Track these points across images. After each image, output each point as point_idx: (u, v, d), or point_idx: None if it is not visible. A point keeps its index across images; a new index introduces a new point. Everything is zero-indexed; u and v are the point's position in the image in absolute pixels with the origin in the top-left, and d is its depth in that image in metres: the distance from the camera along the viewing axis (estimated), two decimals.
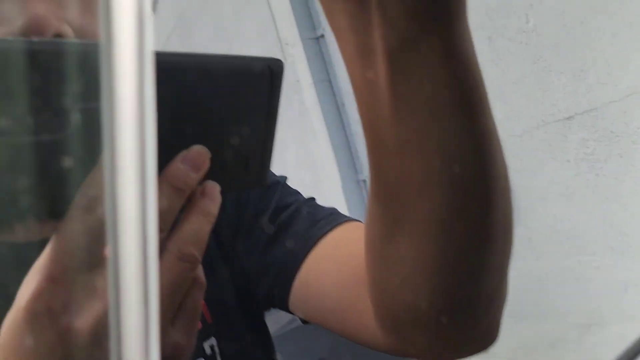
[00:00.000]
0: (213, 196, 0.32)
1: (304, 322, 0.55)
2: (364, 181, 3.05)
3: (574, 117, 1.98)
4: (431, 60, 0.31)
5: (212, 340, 0.52)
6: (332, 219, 0.53)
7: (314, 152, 3.21)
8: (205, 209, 0.31)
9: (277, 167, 0.52)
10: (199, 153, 0.32)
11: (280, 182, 0.58)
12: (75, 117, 0.27)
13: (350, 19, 0.30)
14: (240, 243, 0.56)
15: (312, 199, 0.57)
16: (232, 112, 0.33)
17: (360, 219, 0.50)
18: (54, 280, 0.28)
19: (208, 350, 0.52)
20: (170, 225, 0.30)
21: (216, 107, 0.33)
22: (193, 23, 3.99)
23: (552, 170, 2.15)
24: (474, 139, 0.33)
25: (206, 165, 0.32)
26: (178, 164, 0.30)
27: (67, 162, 0.27)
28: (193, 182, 0.31)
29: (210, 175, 0.31)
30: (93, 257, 0.28)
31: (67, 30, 0.39)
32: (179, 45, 4.13)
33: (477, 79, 0.32)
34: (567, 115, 2.01)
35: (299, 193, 0.58)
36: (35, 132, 0.27)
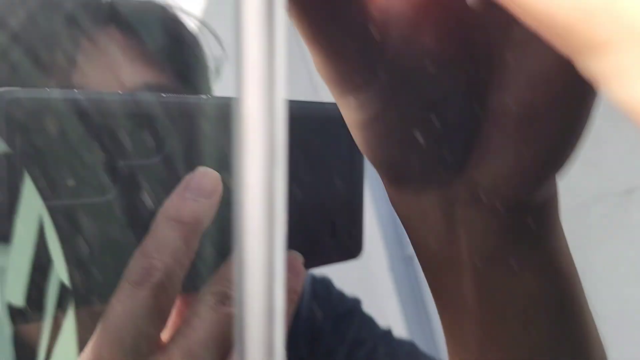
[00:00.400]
0: (296, 270, 0.28)
1: None
2: (411, 258, 2.98)
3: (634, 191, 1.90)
4: (523, 274, 0.28)
5: None
6: None
7: None
8: (287, 285, 0.27)
9: None
10: (205, 174, 0.28)
11: (356, 311, 0.55)
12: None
13: (435, 235, 0.27)
14: None
15: (389, 332, 0.54)
16: (313, 165, 0.30)
17: (421, 325, 0.46)
18: None
19: None
20: (185, 269, 0.27)
21: (294, 159, 0.29)
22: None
23: (615, 247, 2.04)
24: (570, 345, 0.30)
25: (218, 189, 0.28)
26: (181, 192, 0.27)
27: None
28: (206, 210, 0.27)
29: (290, 244, 0.27)
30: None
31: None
32: None
33: (574, 284, 0.30)
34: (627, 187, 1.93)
35: (374, 322, 0.55)
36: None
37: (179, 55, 0.47)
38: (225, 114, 0.27)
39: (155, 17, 0.47)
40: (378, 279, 2.71)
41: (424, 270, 0.30)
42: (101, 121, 0.25)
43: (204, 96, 0.29)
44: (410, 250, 0.29)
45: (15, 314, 0.23)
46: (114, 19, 0.45)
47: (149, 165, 0.27)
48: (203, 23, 0.53)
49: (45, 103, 0.24)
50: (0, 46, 0.39)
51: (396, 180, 0.28)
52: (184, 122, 0.27)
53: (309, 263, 0.28)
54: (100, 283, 0.26)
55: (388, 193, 0.29)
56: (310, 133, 0.29)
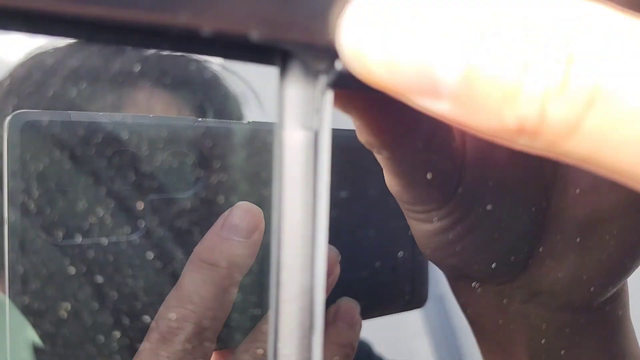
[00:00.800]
0: (351, 320, 0.26)
1: None
2: (442, 297, 2.90)
3: None
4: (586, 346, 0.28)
5: None
6: None
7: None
8: (340, 338, 0.25)
9: None
10: (244, 210, 0.26)
11: None
12: None
13: (490, 322, 0.27)
14: None
15: None
16: (370, 203, 0.28)
17: None
18: None
19: None
20: (221, 321, 0.25)
21: (348, 195, 0.27)
22: None
23: None
24: None
25: (260, 227, 0.26)
26: (217, 231, 0.25)
27: None
28: (245, 252, 0.25)
29: (345, 291, 0.25)
30: None
31: None
32: None
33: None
34: None
35: None
36: None
37: (215, 109, 0.48)
38: (269, 141, 0.25)
39: (192, 73, 0.48)
40: (409, 316, 2.63)
41: (477, 341, 0.29)
42: (129, 148, 0.24)
43: (244, 121, 0.27)
44: (442, 288, 0.29)
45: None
46: (152, 75, 0.45)
47: (182, 199, 0.25)
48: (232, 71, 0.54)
49: (65, 127, 0.23)
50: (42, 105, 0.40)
51: (458, 277, 0.28)
52: (222, 149, 0.26)
53: (367, 313, 0.26)
54: (121, 335, 0.24)
55: (447, 280, 0.29)
56: (368, 167, 0.28)
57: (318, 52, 0.21)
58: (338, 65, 0.22)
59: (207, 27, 0.20)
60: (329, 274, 0.28)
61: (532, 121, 0.15)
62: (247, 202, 0.26)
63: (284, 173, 0.23)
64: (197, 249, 0.25)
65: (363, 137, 0.24)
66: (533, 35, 0.14)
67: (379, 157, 0.24)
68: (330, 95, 0.23)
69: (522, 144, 0.16)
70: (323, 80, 0.23)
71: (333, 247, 0.28)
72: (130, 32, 0.21)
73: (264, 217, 0.23)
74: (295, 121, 0.23)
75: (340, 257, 0.27)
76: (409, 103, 0.18)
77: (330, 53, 0.21)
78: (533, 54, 0.15)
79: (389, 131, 0.24)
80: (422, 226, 0.26)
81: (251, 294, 0.23)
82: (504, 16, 0.15)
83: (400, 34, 0.16)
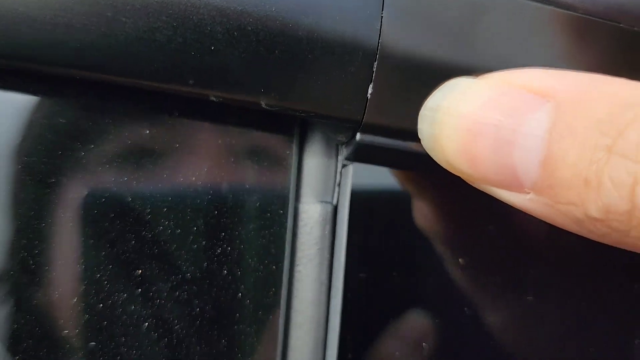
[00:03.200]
0: None
1: None
2: None
3: None
4: None
5: None
6: None
7: None
8: None
9: None
10: None
11: None
12: None
13: None
14: None
15: None
16: None
17: None
18: None
19: None
20: None
21: None
22: None
23: None
24: None
25: None
26: None
27: None
28: None
29: None
30: None
31: None
32: None
33: None
34: None
35: None
36: None
37: None
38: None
39: None
40: None
41: None
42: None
43: None
44: None
45: None
46: None
47: None
48: None
49: None
50: None
51: None
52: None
53: None
54: None
55: None
56: None
57: (339, 123, 0.20)
58: (359, 138, 0.20)
59: (223, 94, 0.19)
60: None
61: (620, 208, 0.13)
62: None
63: (298, 249, 0.21)
64: None
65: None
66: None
67: None
68: (351, 169, 0.21)
69: (609, 231, 0.14)
70: (344, 152, 0.22)
71: None
72: (145, 97, 0.20)
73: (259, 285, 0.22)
74: (312, 194, 0.22)
75: None
76: (489, 193, 0.17)
77: (352, 124, 0.20)
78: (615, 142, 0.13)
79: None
80: None
81: None
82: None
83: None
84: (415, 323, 0.23)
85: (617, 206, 0.14)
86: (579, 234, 0.16)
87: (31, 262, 0.20)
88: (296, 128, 0.21)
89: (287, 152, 0.21)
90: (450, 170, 0.17)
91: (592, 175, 0.14)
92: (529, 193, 0.16)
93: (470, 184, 0.17)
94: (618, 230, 0.14)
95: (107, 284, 0.20)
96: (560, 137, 0.15)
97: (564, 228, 0.16)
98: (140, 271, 0.20)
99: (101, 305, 0.20)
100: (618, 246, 0.15)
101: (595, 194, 0.14)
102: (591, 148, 0.14)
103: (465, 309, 0.24)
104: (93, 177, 0.20)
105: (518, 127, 0.16)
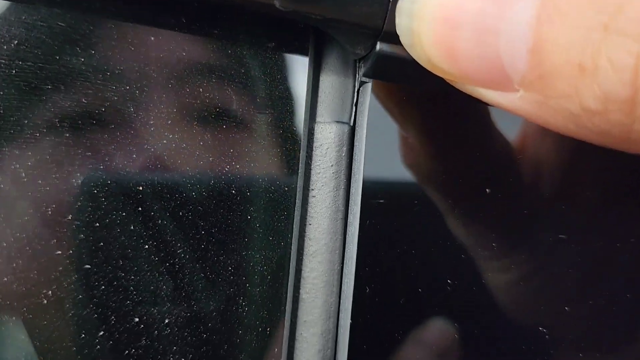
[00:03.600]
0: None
1: None
2: None
3: None
4: None
5: None
6: None
7: None
8: None
9: None
10: None
11: None
12: None
13: None
14: None
15: None
16: None
17: None
18: None
19: None
20: None
21: None
22: None
23: None
24: None
25: None
26: None
27: None
28: None
29: None
30: None
31: None
32: None
33: None
34: None
35: None
36: None
37: None
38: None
39: None
40: None
41: None
42: None
43: None
44: None
45: None
46: None
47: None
48: None
49: None
50: None
51: None
52: None
53: None
54: None
55: None
56: None
57: (358, 30, 0.18)
58: (379, 48, 0.19)
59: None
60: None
61: (621, 95, 0.12)
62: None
63: (312, 173, 0.20)
64: None
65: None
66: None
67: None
68: (369, 86, 0.20)
69: (608, 126, 0.13)
70: (362, 68, 0.20)
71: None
72: (151, 5, 0.19)
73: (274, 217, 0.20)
74: (328, 114, 0.20)
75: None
76: (476, 96, 0.15)
77: (371, 32, 0.18)
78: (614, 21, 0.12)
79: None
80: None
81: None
82: None
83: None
84: (436, 251, 0.21)
85: (618, 93, 0.12)
86: (576, 136, 0.14)
87: (23, 174, 0.19)
88: (311, 42, 0.20)
89: (302, 69, 0.20)
90: (432, 71, 0.16)
91: (588, 59, 0.12)
92: (518, 91, 0.14)
93: (455, 86, 0.16)
94: (619, 125, 0.13)
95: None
96: (550, 19, 0.13)
97: (559, 131, 0.14)
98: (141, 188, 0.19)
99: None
100: (620, 148, 0.14)
101: (591, 81, 0.12)
102: (585, 29, 0.12)
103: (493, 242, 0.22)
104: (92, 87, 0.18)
105: (502, 12, 0.14)
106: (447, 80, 0.16)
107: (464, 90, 0.16)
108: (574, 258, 0.23)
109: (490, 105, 0.17)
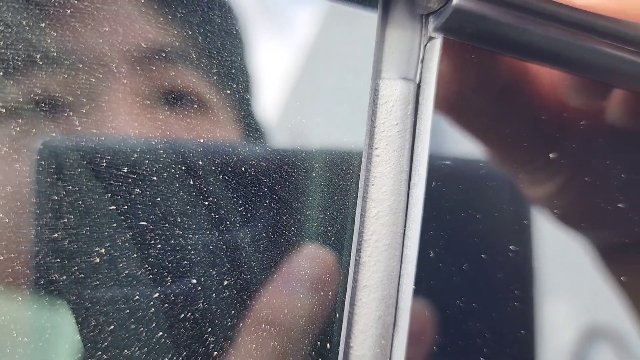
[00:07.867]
0: None
1: None
2: None
3: None
4: None
5: None
6: None
7: None
8: None
9: None
10: None
11: None
12: None
13: None
14: None
15: None
16: None
17: None
18: None
19: None
20: None
21: None
22: None
23: None
24: None
25: None
26: None
27: None
28: None
29: None
30: None
31: None
32: None
33: None
34: None
35: None
36: None
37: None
38: None
39: None
40: None
41: None
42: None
43: None
44: None
45: None
46: None
47: None
48: None
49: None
50: None
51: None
52: None
53: None
54: None
55: None
56: None
57: None
58: (456, 2, 0.18)
59: None
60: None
61: None
62: None
63: (376, 131, 0.19)
64: None
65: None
66: None
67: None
68: (438, 43, 0.19)
69: None
70: (432, 23, 0.19)
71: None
72: None
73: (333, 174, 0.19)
74: (394, 70, 0.19)
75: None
76: None
77: None
78: None
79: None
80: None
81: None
82: None
83: None
84: (500, 216, 0.21)
85: None
86: None
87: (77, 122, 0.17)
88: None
89: (369, 21, 0.19)
90: None
91: None
92: None
93: None
94: None
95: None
96: None
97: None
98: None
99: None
100: None
101: None
102: None
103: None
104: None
105: None
106: None
107: None
108: None
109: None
